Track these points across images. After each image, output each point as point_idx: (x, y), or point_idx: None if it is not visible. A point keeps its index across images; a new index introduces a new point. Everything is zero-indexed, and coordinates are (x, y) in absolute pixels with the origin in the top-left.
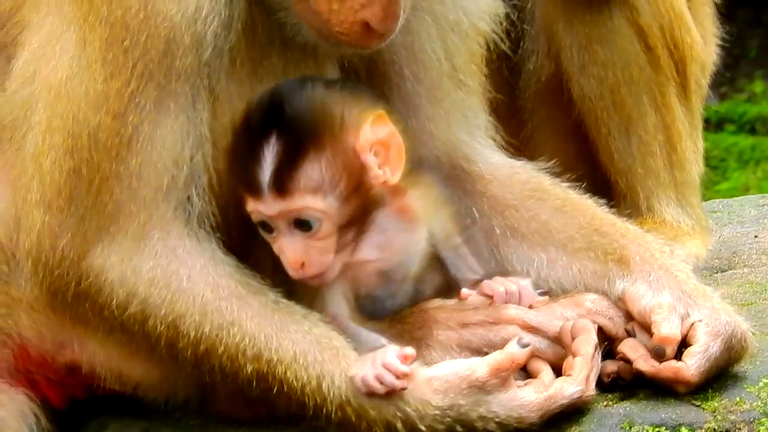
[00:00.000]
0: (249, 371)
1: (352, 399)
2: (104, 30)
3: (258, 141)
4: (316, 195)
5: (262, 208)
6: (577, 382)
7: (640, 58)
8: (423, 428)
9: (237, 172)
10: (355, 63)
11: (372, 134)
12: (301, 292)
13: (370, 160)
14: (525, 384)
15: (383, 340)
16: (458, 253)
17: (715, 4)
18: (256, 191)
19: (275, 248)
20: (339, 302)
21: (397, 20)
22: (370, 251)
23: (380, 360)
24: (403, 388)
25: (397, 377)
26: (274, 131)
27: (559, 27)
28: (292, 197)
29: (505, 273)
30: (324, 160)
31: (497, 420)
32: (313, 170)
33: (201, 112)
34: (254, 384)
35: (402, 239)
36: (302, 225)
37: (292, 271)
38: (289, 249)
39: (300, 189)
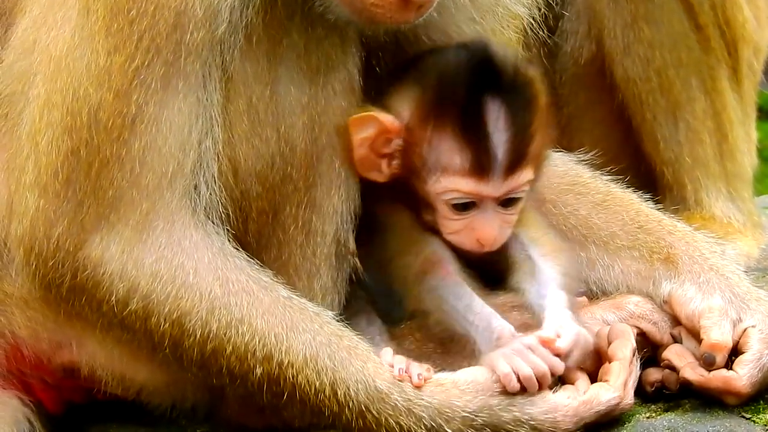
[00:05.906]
0: (259, 374)
1: (371, 406)
2: None
3: (485, 123)
4: (531, 167)
5: (487, 190)
6: (614, 388)
7: (689, 37)
8: (449, 431)
9: (460, 155)
10: (381, 43)
11: None
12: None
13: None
14: (558, 389)
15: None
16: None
17: None
18: (486, 174)
19: (457, 225)
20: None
21: None
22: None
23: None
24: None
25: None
26: (503, 111)
27: (602, 4)
28: (519, 174)
29: None
30: (541, 132)
31: (531, 423)
32: (537, 144)
33: (212, 94)
34: (265, 388)
35: None
36: (511, 201)
37: (479, 246)
38: (489, 227)
39: (526, 165)
